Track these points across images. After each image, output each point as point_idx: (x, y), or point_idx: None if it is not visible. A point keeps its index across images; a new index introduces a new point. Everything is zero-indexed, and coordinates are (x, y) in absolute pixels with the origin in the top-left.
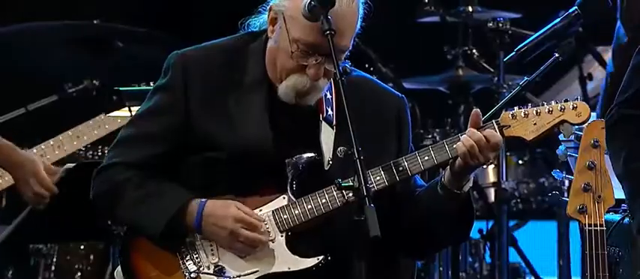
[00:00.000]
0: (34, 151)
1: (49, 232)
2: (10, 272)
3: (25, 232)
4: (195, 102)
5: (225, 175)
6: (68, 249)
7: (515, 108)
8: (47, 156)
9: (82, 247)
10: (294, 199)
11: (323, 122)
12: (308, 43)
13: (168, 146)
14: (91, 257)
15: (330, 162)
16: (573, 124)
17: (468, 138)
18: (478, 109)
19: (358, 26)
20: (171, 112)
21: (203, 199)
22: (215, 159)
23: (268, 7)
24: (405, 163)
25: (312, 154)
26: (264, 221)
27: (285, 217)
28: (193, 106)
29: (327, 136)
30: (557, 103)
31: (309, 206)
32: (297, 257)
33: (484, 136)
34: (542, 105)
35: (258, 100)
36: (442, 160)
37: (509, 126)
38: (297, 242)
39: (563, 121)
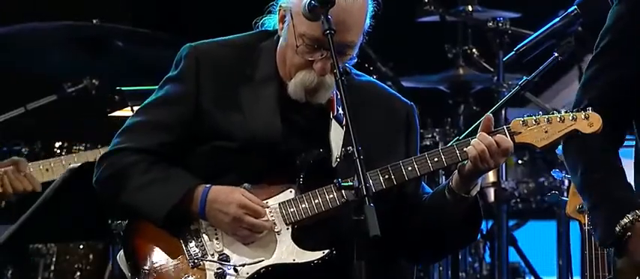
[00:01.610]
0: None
1: (48, 232)
2: (10, 272)
3: (25, 232)
4: (206, 94)
5: (233, 166)
6: (68, 249)
7: (526, 115)
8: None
9: (81, 247)
10: (301, 194)
11: (333, 120)
12: (313, 38)
13: (177, 136)
14: (91, 257)
15: (338, 160)
16: (585, 134)
17: (479, 142)
18: (491, 115)
19: (367, 22)
20: (182, 102)
21: (208, 185)
22: (223, 150)
23: (278, 6)
24: (414, 164)
25: (321, 151)
26: (268, 208)
27: (292, 210)
28: (204, 97)
29: (336, 134)
30: (568, 112)
31: (317, 201)
32: (302, 250)
33: (495, 140)
34: (554, 113)
35: (268, 96)
36: (451, 162)
37: (520, 133)
38: (303, 235)
39: (574, 131)
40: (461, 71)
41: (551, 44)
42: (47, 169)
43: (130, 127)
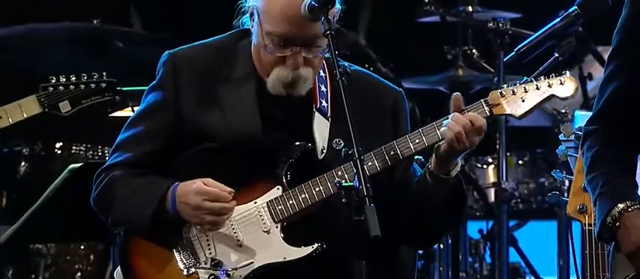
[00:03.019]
0: None
1: (49, 232)
2: (10, 272)
3: (25, 232)
4: (186, 98)
5: (219, 168)
6: (68, 249)
7: (504, 86)
8: None
9: (82, 247)
10: (288, 190)
11: (316, 113)
12: (280, 35)
13: (161, 143)
14: (91, 257)
15: (324, 151)
16: (561, 99)
17: (454, 123)
18: (459, 93)
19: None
20: (163, 109)
21: (176, 183)
22: (208, 152)
23: (247, 5)
24: (396, 147)
25: (304, 143)
26: (257, 213)
27: (280, 207)
28: (184, 102)
29: (320, 126)
30: (545, 78)
31: (303, 196)
32: (292, 247)
33: (469, 120)
34: (531, 81)
35: (247, 93)
36: (432, 142)
37: (499, 104)
38: (293, 232)
39: (551, 96)
40: (460, 72)
41: (552, 44)
42: (1, 117)
43: (118, 144)
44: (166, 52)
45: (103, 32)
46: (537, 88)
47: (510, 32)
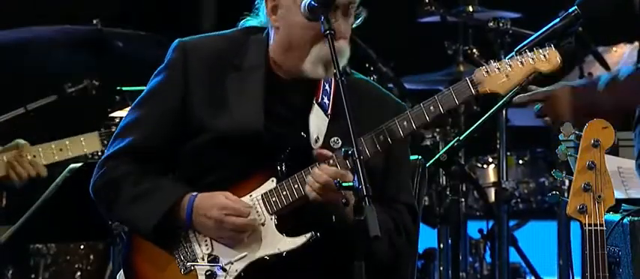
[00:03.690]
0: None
1: (49, 232)
2: (10, 272)
3: (25, 232)
4: (194, 84)
5: (218, 160)
6: (68, 249)
7: (491, 62)
8: (42, 157)
9: (82, 247)
10: (282, 181)
11: (316, 105)
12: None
13: (165, 128)
14: (91, 257)
15: (318, 141)
16: (545, 73)
17: (313, 181)
18: (323, 150)
19: None
20: (169, 91)
21: (194, 193)
22: (210, 142)
23: (264, 2)
24: (385, 131)
25: (299, 134)
26: (253, 206)
27: (274, 199)
28: (191, 85)
29: (318, 120)
30: (529, 52)
31: (296, 186)
32: (287, 238)
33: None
34: (515, 57)
35: (254, 82)
36: (420, 123)
37: (484, 82)
38: (287, 223)
39: (535, 71)
40: (461, 68)
41: (552, 44)
42: (61, 149)
43: (122, 128)
44: (178, 39)
45: (103, 33)
46: (521, 64)
47: (511, 32)
